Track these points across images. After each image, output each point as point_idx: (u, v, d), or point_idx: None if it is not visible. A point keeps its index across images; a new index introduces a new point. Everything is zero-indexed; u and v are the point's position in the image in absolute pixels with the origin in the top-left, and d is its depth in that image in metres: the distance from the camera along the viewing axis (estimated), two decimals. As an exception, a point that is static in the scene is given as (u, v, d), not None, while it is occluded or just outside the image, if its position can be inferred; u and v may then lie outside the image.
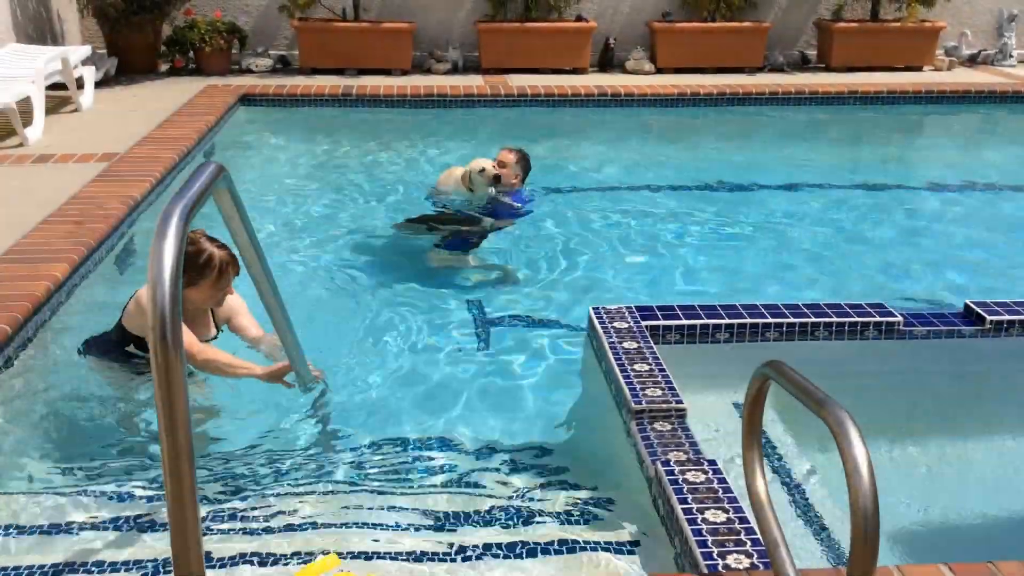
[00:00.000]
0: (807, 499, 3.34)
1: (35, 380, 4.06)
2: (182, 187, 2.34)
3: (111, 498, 3.30)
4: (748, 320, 4.33)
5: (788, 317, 4.35)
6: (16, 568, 2.89)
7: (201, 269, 3.73)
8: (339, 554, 2.92)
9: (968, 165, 8.43)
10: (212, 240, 3.80)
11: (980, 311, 4.40)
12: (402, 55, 10.87)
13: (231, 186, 2.76)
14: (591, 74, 11.10)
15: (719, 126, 9.59)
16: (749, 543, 2.76)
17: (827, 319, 4.35)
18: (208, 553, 2.89)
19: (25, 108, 7.64)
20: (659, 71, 11.17)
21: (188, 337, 3.69)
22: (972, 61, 12.14)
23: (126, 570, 2.90)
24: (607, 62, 11.41)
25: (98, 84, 9.54)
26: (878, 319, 4.36)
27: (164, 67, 10.93)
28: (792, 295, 5.19)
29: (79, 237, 5.15)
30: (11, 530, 3.10)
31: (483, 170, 6.06)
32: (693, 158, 8.38)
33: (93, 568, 2.90)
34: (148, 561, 2.93)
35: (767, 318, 4.35)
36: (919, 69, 11.52)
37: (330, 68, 10.77)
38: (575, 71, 11.07)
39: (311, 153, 8.39)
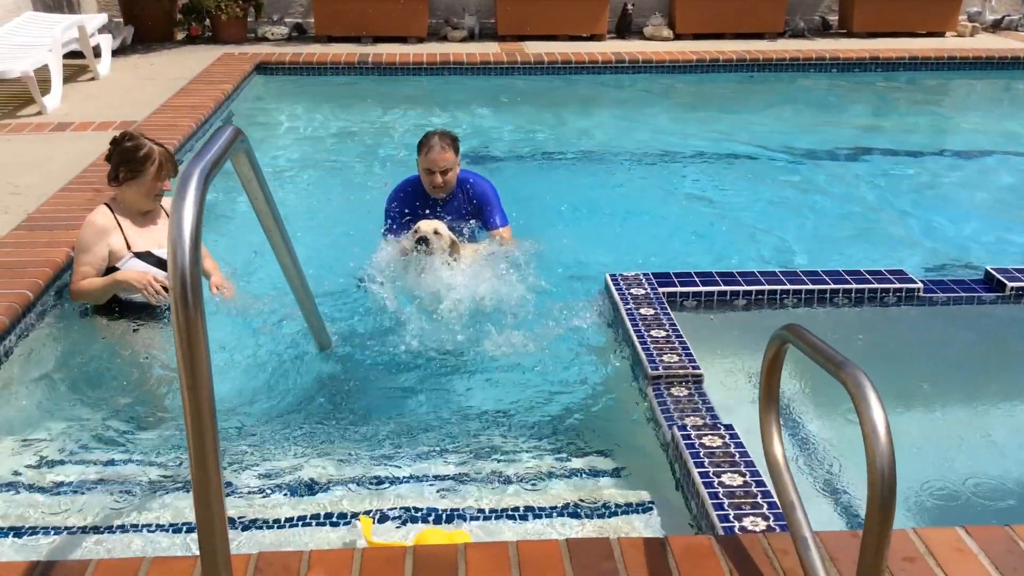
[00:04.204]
0: (824, 462, 3.34)
1: (57, 344, 4.10)
2: (201, 150, 2.34)
3: (135, 459, 3.35)
4: (766, 287, 4.33)
5: (807, 284, 4.34)
6: (44, 528, 2.94)
7: (141, 162, 4.03)
8: (367, 513, 2.96)
9: (990, 132, 8.33)
10: (149, 138, 4.13)
11: (1000, 278, 4.37)
12: (418, 22, 10.80)
13: (249, 150, 2.76)
14: (608, 41, 11.01)
15: (738, 93, 9.50)
16: (766, 506, 2.77)
17: (847, 285, 4.33)
18: (232, 518, 2.93)
19: (43, 76, 7.67)
20: (678, 37, 11.06)
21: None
22: (995, 27, 11.95)
23: (149, 531, 2.95)
24: (625, 28, 11.30)
25: (115, 52, 9.55)
26: (898, 285, 4.34)
27: (180, 35, 10.92)
28: (811, 262, 5.16)
29: (98, 204, 5.17)
30: (36, 491, 3.15)
31: (419, 240, 4.52)
32: (712, 125, 8.31)
33: (118, 529, 2.95)
34: (170, 524, 2.98)
35: (785, 284, 4.34)
36: (941, 35, 11.36)
37: (346, 36, 10.72)
38: (592, 38, 10.97)
39: (327, 121, 8.38)
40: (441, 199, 4.88)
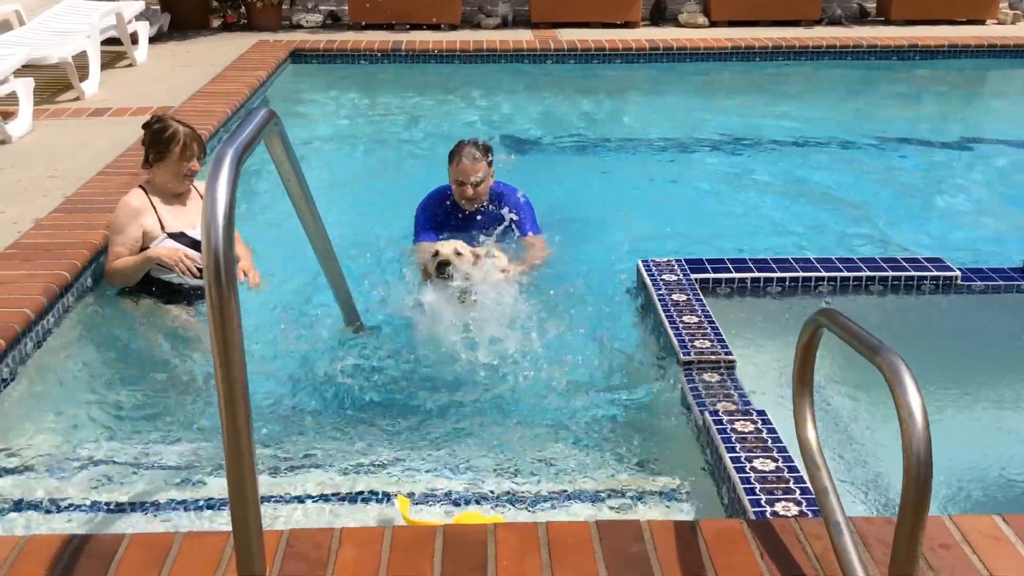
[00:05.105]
0: (858, 449, 3.31)
1: (94, 324, 4.16)
2: (235, 131, 2.35)
3: (169, 437, 3.39)
4: (800, 273, 4.29)
5: (842, 271, 4.30)
6: (79, 503, 2.99)
7: (166, 143, 4.12)
8: (402, 494, 2.98)
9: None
10: (177, 119, 4.23)
11: (1041, 266, 4.30)
12: (451, 10, 10.79)
13: (283, 132, 2.78)
14: (643, 28, 10.93)
15: (774, 81, 9.40)
16: (798, 491, 2.75)
17: (883, 273, 4.28)
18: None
19: (81, 63, 7.76)
20: (713, 24, 10.95)
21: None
22: (1038, 14, 11.72)
23: (182, 507, 2.98)
24: (659, 15, 11.22)
25: (151, 39, 9.64)
26: (935, 273, 4.28)
27: (216, 23, 11.00)
28: (847, 249, 5.11)
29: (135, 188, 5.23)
30: (71, 467, 3.19)
31: (439, 264, 4.14)
32: (746, 113, 8.23)
33: (151, 505, 2.99)
34: (203, 501, 3.01)
35: (820, 271, 4.30)
36: (982, 22, 11.15)
37: (379, 23, 10.74)
38: (626, 25, 10.90)
39: (360, 108, 8.40)
40: (472, 211, 4.71)
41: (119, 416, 3.54)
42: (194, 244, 4.13)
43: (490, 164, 4.67)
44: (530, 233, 4.76)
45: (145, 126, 4.24)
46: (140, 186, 4.29)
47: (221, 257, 2.04)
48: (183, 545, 2.40)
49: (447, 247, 4.18)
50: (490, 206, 4.74)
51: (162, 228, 4.17)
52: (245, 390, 2.10)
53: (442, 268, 4.10)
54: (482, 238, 4.56)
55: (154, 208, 4.19)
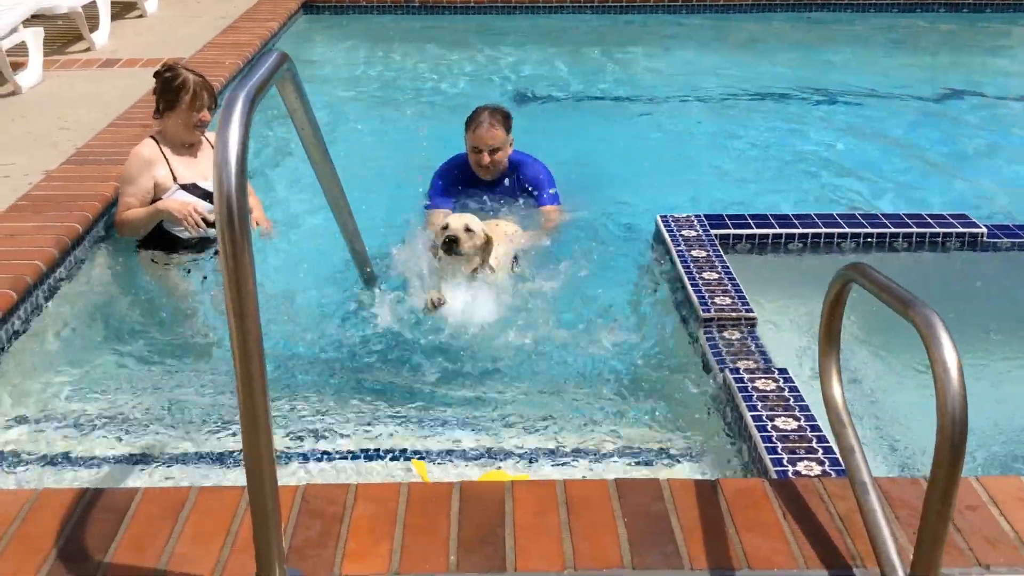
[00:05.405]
0: (883, 408, 3.25)
1: (106, 277, 4.13)
2: (245, 74, 2.27)
3: (183, 390, 3.37)
4: (823, 230, 4.20)
5: (866, 227, 4.21)
6: (92, 457, 2.96)
7: (176, 91, 4.06)
8: (417, 453, 2.95)
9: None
10: (188, 68, 4.17)
11: (1070, 223, 4.20)
12: (466, -40, 10.59)
13: (296, 76, 2.69)
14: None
15: (795, 33, 9.22)
16: (821, 451, 2.70)
17: (907, 230, 4.19)
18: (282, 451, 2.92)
19: (91, 13, 7.65)
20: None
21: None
22: (1068, -34, 11.42)
23: (196, 462, 2.96)
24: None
25: (162, -10, 9.51)
26: (961, 230, 4.19)
27: (227, -27, 10.83)
28: (870, 205, 5.01)
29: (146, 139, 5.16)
30: (85, 421, 3.17)
31: (447, 240, 3.89)
32: (767, 66, 8.07)
33: (165, 460, 2.97)
34: (218, 455, 2.99)
35: (843, 228, 4.21)
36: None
37: (393, -26, 10.55)
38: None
39: (373, 61, 8.27)
40: (489, 181, 4.58)
41: (131, 369, 3.51)
42: (206, 196, 4.08)
43: (508, 131, 4.53)
44: (548, 203, 4.62)
45: (156, 75, 4.17)
46: (152, 137, 4.23)
47: (234, 202, 1.97)
48: (197, 500, 2.36)
49: (458, 221, 3.95)
50: (509, 176, 4.60)
51: (174, 179, 4.11)
52: (259, 338, 2.04)
53: (449, 246, 3.89)
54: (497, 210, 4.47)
55: (166, 159, 4.13)
